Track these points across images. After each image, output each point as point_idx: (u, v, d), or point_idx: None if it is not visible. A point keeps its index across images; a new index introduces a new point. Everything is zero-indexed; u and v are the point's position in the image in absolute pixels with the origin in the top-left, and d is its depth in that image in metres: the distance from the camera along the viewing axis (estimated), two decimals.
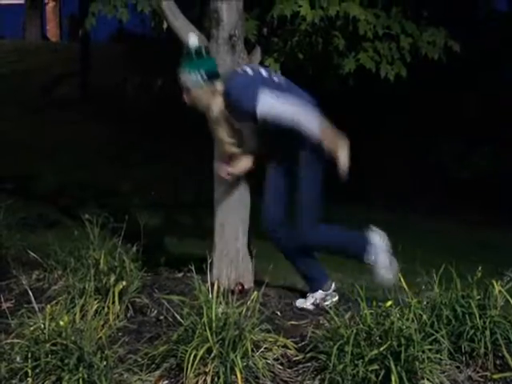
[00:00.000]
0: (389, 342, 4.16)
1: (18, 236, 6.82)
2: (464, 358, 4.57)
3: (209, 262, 4.95)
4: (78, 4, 19.16)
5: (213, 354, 4.20)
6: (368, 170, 14.13)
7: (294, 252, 5.42)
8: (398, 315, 4.31)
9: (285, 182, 5.29)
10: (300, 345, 4.57)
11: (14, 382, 4.15)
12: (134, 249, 5.55)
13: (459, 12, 14.22)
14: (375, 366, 4.13)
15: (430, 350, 4.23)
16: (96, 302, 4.93)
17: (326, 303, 5.35)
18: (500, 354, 4.58)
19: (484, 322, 4.57)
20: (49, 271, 5.64)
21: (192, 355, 4.15)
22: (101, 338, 4.29)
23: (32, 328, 4.35)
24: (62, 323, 4.25)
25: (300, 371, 4.39)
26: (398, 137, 14.86)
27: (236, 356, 4.17)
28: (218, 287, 4.52)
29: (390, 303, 4.39)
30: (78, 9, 19.37)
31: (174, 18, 5.87)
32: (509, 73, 15.07)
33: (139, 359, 4.41)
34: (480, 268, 4.89)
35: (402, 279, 4.70)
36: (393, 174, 14.37)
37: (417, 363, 4.16)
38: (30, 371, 4.12)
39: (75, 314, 4.61)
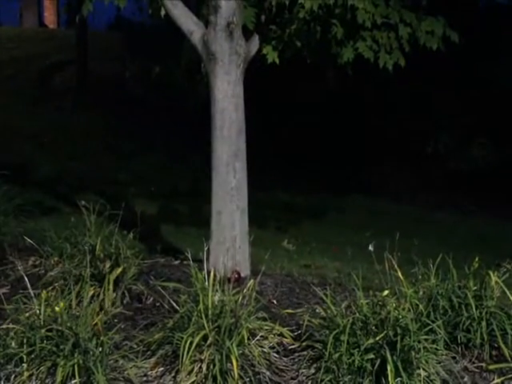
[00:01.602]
0: (385, 332, 4.17)
1: (14, 222, 6.80)
2: (460, 349, 4.58)
3: (205, 249, 4.94)
4: None
5: (209, 342, 4.20)
6: (368, 161, 14.15)
7: None
8: (394, 305, 4.31)
9: None
10: (296, 333, 4.58)
11: (9, 367, 4.15)
12: (131, 236, 5.54)
13: (458, 2, 14.17)
14: (371, 356, 4.13)
15: (426, 340, 4.23)
16: (92, 288, 4.93)
17: None
18: (496, 345, 4.60)
19: (480, 313, 4.58)
20: (45, 257, 5.62)
21: (188, 342, 4.15)
22: (96, 324, 4.28)
23: (27, 314, 4.35)
24: (57, 309, 4.24)
25: (296, 360, 4.39)
26: (398, 128, 14.84)
27: (232, 344, 4.17)
28: (215, 275, 4.51)
29: (386, 293, 4.39)
30: None
31: (173, 6, 5.85)
32: (508, 64, 15.03)
33: (135, 346, 4.40)
34: (477, 259, 4.90)
35: (398, 269, 4.69)
36: (392, 164, 14.36)
37: (413, 353, 4.16)
38: (25, 357, 4.12)
39: (71, 300, 4.61)
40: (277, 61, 6.25)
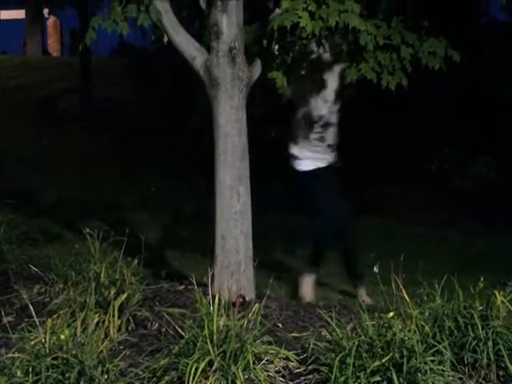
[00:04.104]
0: (391, 354, 4.15)
1: (19, 250, 6.82)
2: (467, 369, 4.55)
3: (210, 274, 4.94)
4: (78, 19, 19.16)
5: (214, 367, 4.18)
6: (371, 181, 14.13)
7: None
8: (399, 326, 4.30)
9: None
10: (302, 357, 4.56)
11: None
12: (135, 262, 5.54)
13: (459, 22, 14.20)
14: (377, 378, 4.11)
15: (432, 361, 4.21)
16: (97, 315, 4.92)
17: None
18: (503, 365, 4.56)
19: (486, 333, 4.55)
20: (50, 285, 5.62)
21: (193, 368, 4.14)
22: (102, 351, 4.27)
23: (33, 342, 4.34)
24: (62, 337, 4.23)
25: (302, 383, 4.37)
26: (400, 145, 14.84)
27: (237, 368, 4.15)
28: (219, 300, 4.50)
29: (391, 314, 4.37)
30: (79, 23, 19.39)
31: (175, 33, 5.88)
32: (509, 81, 15.03)
33: (140, 372, 4.39)
34: (482, 278, 4.88)
35: (403, 290, 4.68)
36: (396, 184, 14.34)
37: (419, 375, 4.14)
38: None
39: (76, 328, 4.61)
40: (285, 84, 6.28)
